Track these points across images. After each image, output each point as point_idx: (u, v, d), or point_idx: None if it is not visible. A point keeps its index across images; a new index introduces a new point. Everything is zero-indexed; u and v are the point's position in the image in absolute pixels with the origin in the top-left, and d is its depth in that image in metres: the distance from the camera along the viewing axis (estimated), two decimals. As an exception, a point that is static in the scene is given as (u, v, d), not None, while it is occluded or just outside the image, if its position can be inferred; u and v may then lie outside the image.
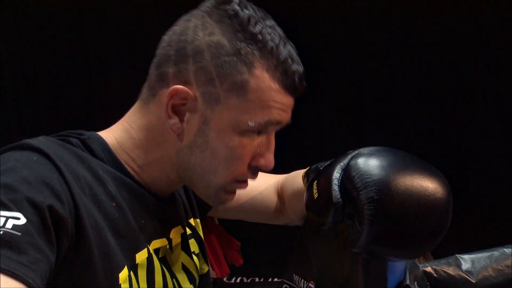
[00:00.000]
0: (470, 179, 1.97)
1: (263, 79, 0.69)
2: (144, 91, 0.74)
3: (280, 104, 0.71)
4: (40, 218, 0.56)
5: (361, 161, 0.71)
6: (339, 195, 0.71)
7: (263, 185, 0.99)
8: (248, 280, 1.16)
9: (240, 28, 0.69)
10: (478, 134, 2.02)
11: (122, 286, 0.67)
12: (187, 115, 0.71)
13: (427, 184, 0.69)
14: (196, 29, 0.71)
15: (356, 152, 0.74)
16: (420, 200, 0.68)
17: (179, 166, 0.75)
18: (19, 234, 0.53)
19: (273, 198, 0.98)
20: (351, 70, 2.21)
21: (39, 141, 0.67)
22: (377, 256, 0.73)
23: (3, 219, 0.53)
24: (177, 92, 0.69)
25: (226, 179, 0.74)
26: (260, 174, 0.97)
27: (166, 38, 0.73)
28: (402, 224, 0.68)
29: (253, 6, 0.71)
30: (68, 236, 0.60)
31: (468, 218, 1.82)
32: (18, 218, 0.54)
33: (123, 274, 0.67)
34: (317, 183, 0.76)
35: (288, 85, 0.70)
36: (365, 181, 0.68)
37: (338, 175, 0.73)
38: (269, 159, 0.74)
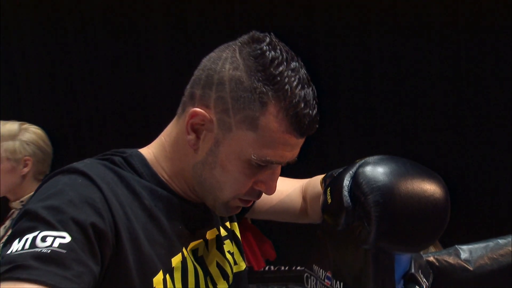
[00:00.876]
0: (470, 181, 1.98)
1: (273, 120, 0.68)
2: (180, 106, 0.76)
3: (285, 145, 0.70)
4: (84, 235, 0.59)
5: (367, 170, 0.73)
6: (349, 201, 0.74)
7: (290, 189, 1.00)
8: (275, 268, 1.18)
9: (262, 68, 0.67)
10: (477, 141, 2.04)
11: None
12: (203, 134, 0.72)
13: (426, 187, 0.71)
14: (225, 61, 0.71)
15: (363, 161, 0.76)
16: (420, 201, 0.70)
17: (194, 179, 0.76)
18: (64, 251, 0.56)
19: (299, 200, 0.99)
20: (366, 92, 2.28)
21: (84, 164, 0.70)
22: (384, 251, 0.74)
23: (51, 239, 0.56)
24: (196, 114, 0.71)
25: (230, 196, 0.74)
26: (287, 179, 1.02)
27: (203, 61, 0.74)
28: (405, 223, 0.70)
29: (283, 47, 0.70)
30: (110, 247, 0.63)
31: (467, 213, 1.83)
32: (64, 237, 0.57)
33: (158, 277, 0.69)
34: (330, 190, 0.78)
35: (296, 127, 0.69)
36: (371, 187, 0.70)
37: (348, 182, 0.75)
38: (271, 186, 0.75)
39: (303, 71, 0.70)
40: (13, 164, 1.53)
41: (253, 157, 0.69)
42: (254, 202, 0.96)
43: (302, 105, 0.67)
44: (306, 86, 0.69)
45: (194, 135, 0.72)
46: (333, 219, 0.79)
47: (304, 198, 0.99)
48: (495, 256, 0.91)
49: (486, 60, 2.08)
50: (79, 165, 0.69)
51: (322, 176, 0.89)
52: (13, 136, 1.57)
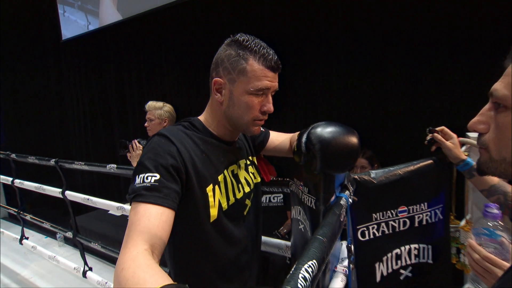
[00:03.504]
0: (379, 135, 1.91)
1: (254, 65, 0.74)
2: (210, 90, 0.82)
3: (265, 76, 0.75)
4: (167, 172, 0.66)
5: (314, 131, 0.79)
6: (305, 149, 0.81)
7: (283, 138, 1.05)
8: (276, 179, 1.23)
9: (239, 44, 0.75)
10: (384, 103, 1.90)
11: (208, 193, 0.75)
12: (223, 92, 0.77)
13: (347, 138, 0.77)
14: (221, 50, 0.78)
15: (313, 125, 0.81)
16: (344, 147, 0.77)
17: (227, 120, 0.80)
18: (157, 184, 0.63)
19: (288, 144, 1.03)
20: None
21: (166, 129, 0.77)
22: (327, 173, 0.82)
23: (150, 177, 0.63)
24: (216, 82, 0.77)
25: (248, 119, 0.78)
26: (283, 133, 1.06)
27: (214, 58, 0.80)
28: (335, 159, 0.78)
29: (251, 36, 0.77)
30: (183, 174, 0.70)
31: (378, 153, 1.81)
32: (156, 176, 0.64)
33: (209, 188, 0.76)
34: (296, 143, 0.84)
35: (268, 65, 0.75)
36: (316, 141, 0.77)
37: (304, 138, 0.81)
38: (269, 106, 0.78)
39: (262, 42, 0.77)
40: (160, 121, 2.04)
41: (251, 89, 0.75)
42: (265, 142, 1.02)
43: (266, 52, 0.75)
44: (266, 47, 0.76)
45: (219, 94, 0.78)
46: (298, 159, 0.85)
47: (290, 143, 1.03)
48: (387, 176, 0.99)
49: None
50: (162, 130, 0.76)
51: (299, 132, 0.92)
52: (160, 108, 2.05)
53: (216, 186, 0.78)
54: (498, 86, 0.42)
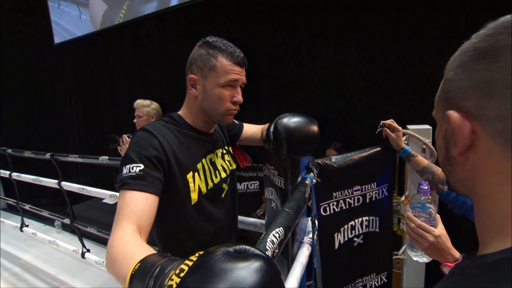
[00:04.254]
0: (343, 127, 1.88)
1: (223, 61, 0.73)
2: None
3: (233, 70, 0.73)
4: (151, 162, 0.64)
5: (280, 121, 0.79)
6: (273, 137, 0.80)
7: (255, 129, 1.03)
8: (252, 165, 1.21)
9: (210, 45, 0.74)
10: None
11: (189, 180, 0.73)
12: (197, 87, 0.75)
13: (308, 127, 0.78)
14: (194, 52, 0.76)
15: (279, 116, 0.81)
16: (306, 135, 0.77)
17: (203, 112, 0.78)
18: (142, 173, 0.61)
19: (259, 134, 1.01)
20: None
21: (149, 125, 0.73)
22: (292, 157, 0.82)
23: (135, 167, 0.61)
24: (191, 78, 0.75)
25: (222, 110, 0.76)
26: (255, 125, 1.02)
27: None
28: (299, 145, 0.78)
29: (218, 37, 0.75)
30: (165, 164, 0.68)
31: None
32: (140, 166, 0.62)
33: (189, 175, 0.74)
34: (266, 133, 0.84)
35: (235, 61, 0.74)
36: (282, 130, 0.77)
37: (272, 128, 0.80)
38: (239, 97, 0.76)
39: (230, 43, 0.75)
40: (148, 118, 1.91)
41: (221, 82, 0.73)
42: (239, 133, 0.98)
43: (233, 51, 0.74)
44: (233, 46, 0.75)
45: (193, 90, 0.76)
46: (268, 146, 0.85)
47: (261, 133, 1.01)
48: (345, 160, 1.02)
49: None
50: (146, 126, 0.73)
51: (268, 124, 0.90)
52: (147, 106, 1.92)
53: (196, 173, 0.76)
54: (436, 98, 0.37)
